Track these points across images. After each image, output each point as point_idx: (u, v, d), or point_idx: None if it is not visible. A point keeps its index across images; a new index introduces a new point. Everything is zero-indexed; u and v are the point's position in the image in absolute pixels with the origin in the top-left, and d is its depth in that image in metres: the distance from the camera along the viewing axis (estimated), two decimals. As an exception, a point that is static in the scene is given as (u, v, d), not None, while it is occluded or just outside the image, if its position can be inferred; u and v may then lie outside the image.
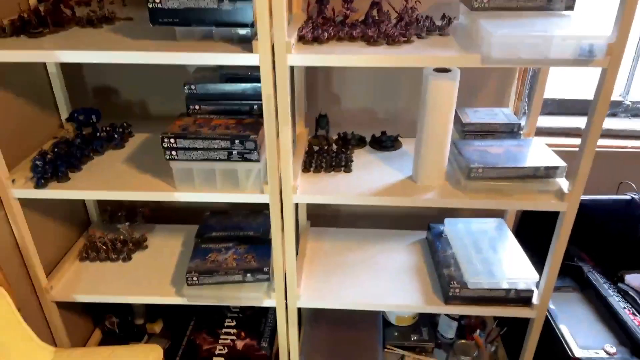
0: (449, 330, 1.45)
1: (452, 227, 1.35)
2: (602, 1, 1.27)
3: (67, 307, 1.33)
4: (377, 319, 1.49)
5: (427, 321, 1.50)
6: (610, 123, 1.52)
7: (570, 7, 0.98)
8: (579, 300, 1.28)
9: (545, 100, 1.53)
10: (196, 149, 1.02)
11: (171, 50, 0.91)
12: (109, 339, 1.50)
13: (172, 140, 1.01)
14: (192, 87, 1.12)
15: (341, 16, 1.09)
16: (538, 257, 1.19)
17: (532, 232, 1.34)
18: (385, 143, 1.28)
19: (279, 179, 1.04)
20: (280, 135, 0.98)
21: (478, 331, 1.36)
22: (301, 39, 0.98)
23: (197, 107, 1.13)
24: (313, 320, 1.49)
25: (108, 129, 1.30)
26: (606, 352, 1.11)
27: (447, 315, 1.41)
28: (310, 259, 1.36)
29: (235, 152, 1.02)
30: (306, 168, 1.17)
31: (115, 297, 1.24)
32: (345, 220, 1.57)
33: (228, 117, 1.11)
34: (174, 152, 1.02)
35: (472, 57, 0.88)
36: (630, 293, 1.26)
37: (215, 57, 0.91)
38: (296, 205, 1.43)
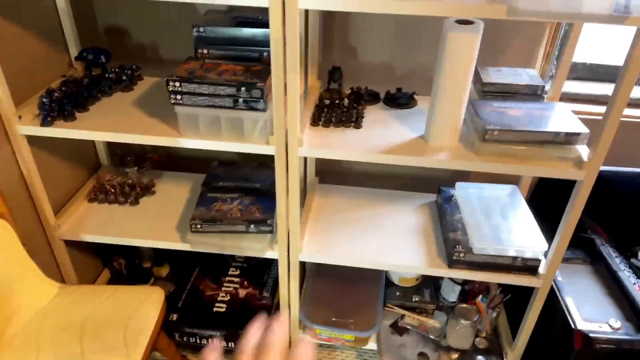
0: (451, 294, 1.45)
1: (463, 191, 1.31)
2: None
3: (76, 246, 1.36)
4: (380, 277, 1.49)
5: (430, 284, 1.49)
6: (643, 92, 1.42)
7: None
8: (588, 273, 1.25)
9: (575, 64, 1.44)
10: (202, 94, 0.99)
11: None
12: (116, 279, 1.54)
13: (177, 84, 0.98)
14: (201, 29, 1.08)
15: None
16: (551, 227, 1.15)
17: (547, 201, 1.29)
18: (400, 100, 1.23)
19: (285, 131, 1.01)
20: (287, 84, 0.94)
21: (480, 296, 1.35)
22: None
23: (205, 51, 1.09)
24: (316, 274, 1.50)
25: (117, 70, 1.28)
26: (610, 326, 1.08)
27: (450, 278, 1.40)
28: (315, 215, 1.35)
29: (241, 100, 0.99)
30: (315, 121, 1.14)
31: (121, 239, 1.25)
32: (356, 179, 1.54)
33: (237, 63, 1.07)
34: (179, 97, 0.99)
35: (497, 8, 0.81)
36: (643, 270, 1.22)
37: (223, -4, 0.86)
38: (304, 159, 1.41)
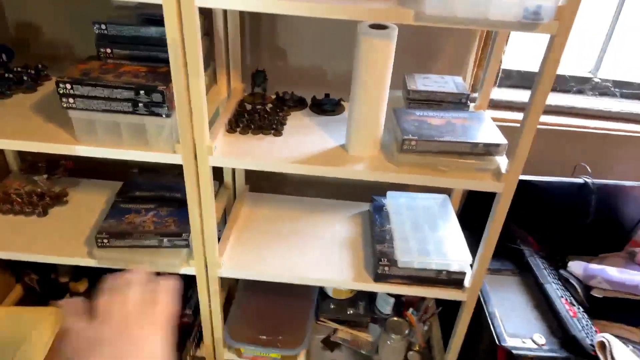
0: (385, 306, 1.40)
1: (393, 201, 1.27)
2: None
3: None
4: (313, 291, 1.43)
5: (365, 296, 1.44)
6: (575, 100, 1.42)
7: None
8: (516, 284, 1.23)
9: (510, 71, 1.43)
10: (97, 97, 0.90)
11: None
12: (30, 296, 1.42)
13: (69, 86, 0.89)
14: (103, 27, 0.99)
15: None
16: (479, 239, 1.12)
17: (477, 211, 1.26)
18: (325, 106, 1.17)
19: (192, 138, 0.93)
20: (190, 88, 0.87)
21: (411, 309, 1.31)
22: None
23: (108, 50, 1.00)
24: (245, 289, 1.43)
25: (19, 69, 1.17)
26: (534, 342, 1.06)
27: (383, 291, 1.36)
28: (241, 226, 1.28)
29: (141, 104, 0.90)
30: (232, 128, 1.07)
31: (22, 254, 1.14)
32: (291, 186, 1.48)
33: (142, 64, 0.98)
34: (71, 100, 0.90)
35: (405, 12, 0.77)
36: (571, 281, 1.21)
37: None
38: (230, 168, 1.33)
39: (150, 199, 1.22)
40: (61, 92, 0.89)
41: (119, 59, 1.00)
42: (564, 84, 1.44)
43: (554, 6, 0.73)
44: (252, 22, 1.22)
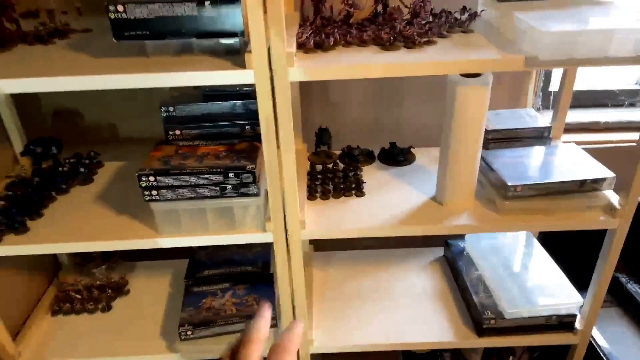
0: (474, 355, 1.32)
1: (474, 244, 1.21)
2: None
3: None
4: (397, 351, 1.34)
5: (448, 345, 1.36)
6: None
7: (612, -7, 0.83)
8: (619, 315, 1.16)
9: (550, 92, 1.39)
10: (182, 186, 0.84)
11: (143, 72, 0.73)
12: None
13: (152, 179, 0.83)
14: (170, 109, 0.94)
15: (343, 15, 0.92)
16: (567, 268, 1.07)
17: (558, 240, 1.20)
18: (397, 157, 1.12)
19: (283, 214, 0.87)
20: (283, 164, 0.81)
21: (511, 357, 1.23)
22: (301, 46, 0.81)
23: (178, 132, 0.95)
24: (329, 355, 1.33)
25: (72, 160, 1.11)
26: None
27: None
28: (319, 295, 1.20)
29: (229, 187, 0.84)
30: (312, 195, 1.01)
31: (95, 359, 1.05)
32: (351, 239, 1.41)
33: (216, 142, 0.93)
34: (154, 192, 0.84)
35: (514, 59, 0.73)
36: (673, 304, 1.14)
37: (200, 75, 0.73)
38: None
39: (221, 277, 1.14)
40: (143, 185, 0.83)
41: (190, 139, 0.95)
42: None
43: (674, 36, 0.69)
44: (303, 83, 1.19)
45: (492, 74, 0.83)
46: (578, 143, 1.26)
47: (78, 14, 1.02)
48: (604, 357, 1.05)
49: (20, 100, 1.12)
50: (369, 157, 1.14)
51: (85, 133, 1.24)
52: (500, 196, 0.90)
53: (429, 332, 1.07)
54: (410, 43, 0.80)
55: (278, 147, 0.80)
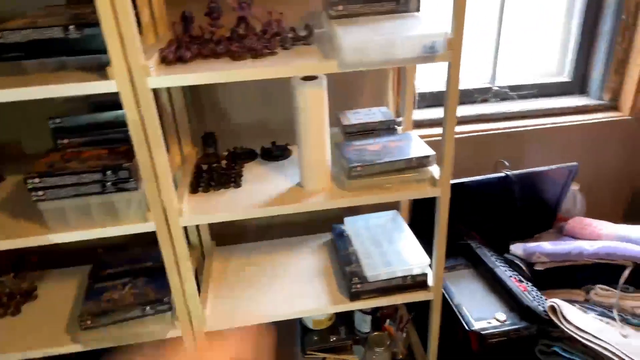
0: (364, 325, 1.49)
1: (351, 225, 1.40)
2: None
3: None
4: (295, 327, 1.50)
5: (344, 320, 1.53)
6: (482, 108, 1.65)
7: (417, 9, 1.05)
8: (472, 275, 1.38)
9: (424, 94, 1.63)
10: (66, 185, 0.96)
11: (20, 86, 0.86)
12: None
13: (37, 180, 0.95)
14: (57, 120, 1.06)
15: (208, 33, 1.09)
16: (429, 241, 1.27)
17: (425, 218, 1.41)
18: (275, 153, 1.30)
19: (161, 205, 1.01)
20: (154, 159, 0.96)
21: (388, 320, 1.41)
22: (164, 59, 0.97)
23: (66, 140, 1.07)
24: (230, 341, 1.46)
25: (-28, 175, 1.20)
26: (497, 319, 1.20)
27: (359, 310, 1.45)
28: (216, 280, 1.34)
29: (109, 183, 0.98)
30: (195, 189, 1.15)
31: (5, 355, 1.13)
32: (254, 234, 1.56)
33: (101, 147, 1.06)
34: (40, 192, 0.96)
35: (330, 64, 0.92)
36: (516, 261, 1.38)
37: (70, 87, 0.87)
38: (197, 228, 1.40)
39: (122, 273, 1.26)
40: (30, 186, 0.95)
41: (77, 146, 1.08)
42: (470, 97, 1.67)
43: (445, 40, 0.91)
44: (193, 90, 1.34)
45: (325, 77, 1.03)
46: (437, 136, 1.50)
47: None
48: (457, 312, 1.25)
49: None
50: (251, 156, 1.31)
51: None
52: (347, 176, 1.09)
53: (310, 302, 1.24)
54: (256, 54, 0.98)
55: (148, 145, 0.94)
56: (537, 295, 1.24)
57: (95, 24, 0.85)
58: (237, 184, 1.17)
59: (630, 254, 1.27)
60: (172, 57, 0.97)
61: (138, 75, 0.88)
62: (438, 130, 1.55)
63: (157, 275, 1.24)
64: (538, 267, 1.36)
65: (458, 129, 1.54)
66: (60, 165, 0.98)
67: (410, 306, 1.48)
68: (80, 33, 0.87)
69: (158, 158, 0.96)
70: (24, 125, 1.30)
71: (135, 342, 1.35)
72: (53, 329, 1.19)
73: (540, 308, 1.19)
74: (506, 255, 1.41)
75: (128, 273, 1.26)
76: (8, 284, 1.30)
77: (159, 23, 1.14)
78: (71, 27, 0.86)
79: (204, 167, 1.26)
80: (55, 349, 1.14)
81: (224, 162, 1.27)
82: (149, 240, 1.34)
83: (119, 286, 1.21)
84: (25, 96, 0.85)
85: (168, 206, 1.01)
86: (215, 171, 1.22)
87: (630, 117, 1.66)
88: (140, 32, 0.85)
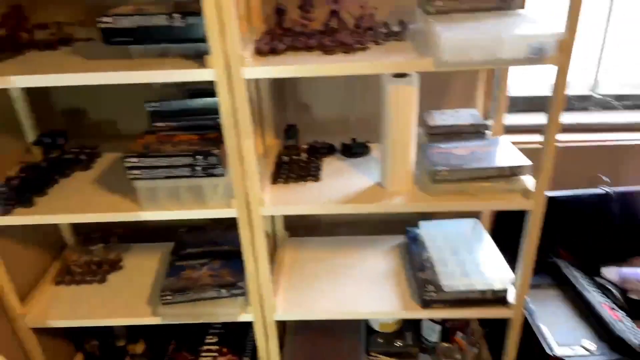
0: (432, 334, 1.44)
1: (426, 230, 1.35)
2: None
3: (46, 333, 1.31)
4: (360, 326, 1.48)
5: (411, 326, 1.49)
6: (580, 117, 1.52)
7: (522, 5, 0.98)
8: (557, 296, 1.28)
9: (515, 98, 1.53)
10: (159, 166, 1.01)
11: (125, 70, 0.91)
12: (90, 362, 1.48)
13: (135, 160, 1.00)
14: (155, 104, 1.12)
15: (300, 26, 1.09)
16: (516, 256, 1.19)
17: (509, 230, 1.33)
18: (354, 150, 1.28)
19: (245, 193, 1.03)
20: (242, 148, 0.98)
21: (460, 333, 1.35)
22: (258, 51, 0.98)
23: (161, 124, 1.13)
24: (297, 330, 1.48)
25: (76, 150, 1.29)
26: (584, 347, 1.10)
27: (429, 318, 1.41)
28: (288, 270, 1.35)
29: (198, 168, 1.01)
30: (275, 180, 1.17)
31: (90, 320, 1.22)
32: (326, 229, 1.56)
33: (193, 132, 1.10)
34: (137, 171, 1.01)
35: (425, 62, 0.88)
36: (608, 286, 1.26)
37: (170, 74, 0.91)
38: (271, 217, 1.42)
39: (201, 254, 1.31)
40: (128, 165, 1.00)
41: (171, 130, 1.13)
42: (567, 104, 1.54)
43: (555, 41, 0.84)
44: (277, 82, 1.35)
45: (417, 75, 0.99)
46: (529, 143, 1.41)
47: (82, 26, 1.22)
48: (539, 334, 1.17)
49: (35, 98, 1.31)
50: (330, 150, 1.30)
51: (91, 129, 1.42)
52: (431, 180, 1.04)
53: (380, 305, 1.21)
54: (347, 49, 0.96)
55: (237, 134, 0.96)
56: (631, 326, 1.13)
57: (198, 13, 0.88)
58: (317, 178, 1.16)
59: None
60: (266, 49, 0.98)
61: (235, 66, 0.89)
62: (529, 137, 1.47)
63: (233, 259, 1.28)
64: (632, 296, 1.23)
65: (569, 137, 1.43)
66: (155, 147, 1.03)
67: (483, 320, 1.41)
68: (184, 21, 0.90)
69: (245, 147, 0.98)
70: (121, 106, 1.38)
71: (210, 321, 1.41)
72: (135, 301, 1.26)
73: (635, 341, 1.08)
74: (597, 278, 1.29)
75: (206, 254, 1.30)
76: (97, 254, 1.40)
77: (253, 14, 1.16)
78: (175, 15, 0.90)
79: (285, 158, 1.27)
80: (137, 319, 1.22)
81: (304, 155, 1.28)
82: (227, 223, 1.39)
83: (197, 266, 1.26)
84: (131, 79, 0.90)
85: (251, 195, 1.03)
86: (295, 163, 1.23)
87: None
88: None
